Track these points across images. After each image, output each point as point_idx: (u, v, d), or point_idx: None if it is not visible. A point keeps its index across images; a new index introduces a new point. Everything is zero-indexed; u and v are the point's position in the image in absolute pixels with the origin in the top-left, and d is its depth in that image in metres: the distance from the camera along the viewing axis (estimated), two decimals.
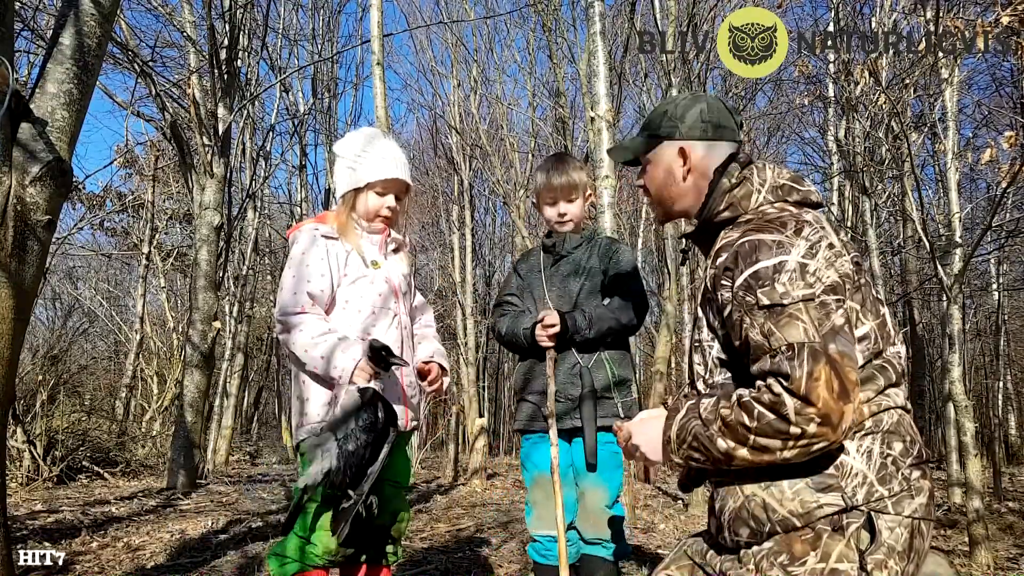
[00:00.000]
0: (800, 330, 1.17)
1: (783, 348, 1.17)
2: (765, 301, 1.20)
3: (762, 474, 1.27)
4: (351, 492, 1.91)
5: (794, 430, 1.16)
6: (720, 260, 1.30)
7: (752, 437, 1.19)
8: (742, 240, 1.27)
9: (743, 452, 1.21)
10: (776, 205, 1.36)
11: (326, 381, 2.01)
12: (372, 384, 1.95)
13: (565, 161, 2.46)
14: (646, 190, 1.56)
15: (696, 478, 1.43)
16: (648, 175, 1.53)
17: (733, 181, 1.39)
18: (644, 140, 1.52)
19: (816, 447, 1.17)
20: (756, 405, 1.18)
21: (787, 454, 1.18)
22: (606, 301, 2.35)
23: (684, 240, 1.55)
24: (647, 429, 1.37)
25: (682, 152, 1.45)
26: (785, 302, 1.19)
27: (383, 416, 1.92)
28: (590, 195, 2.49)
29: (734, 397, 1.23)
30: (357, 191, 2.14)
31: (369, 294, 2.10)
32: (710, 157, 1.45)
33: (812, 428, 1.15)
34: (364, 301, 2.10)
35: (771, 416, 1.16)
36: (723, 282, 1.27)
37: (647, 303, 2.39)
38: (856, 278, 1.28)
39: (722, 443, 1.22)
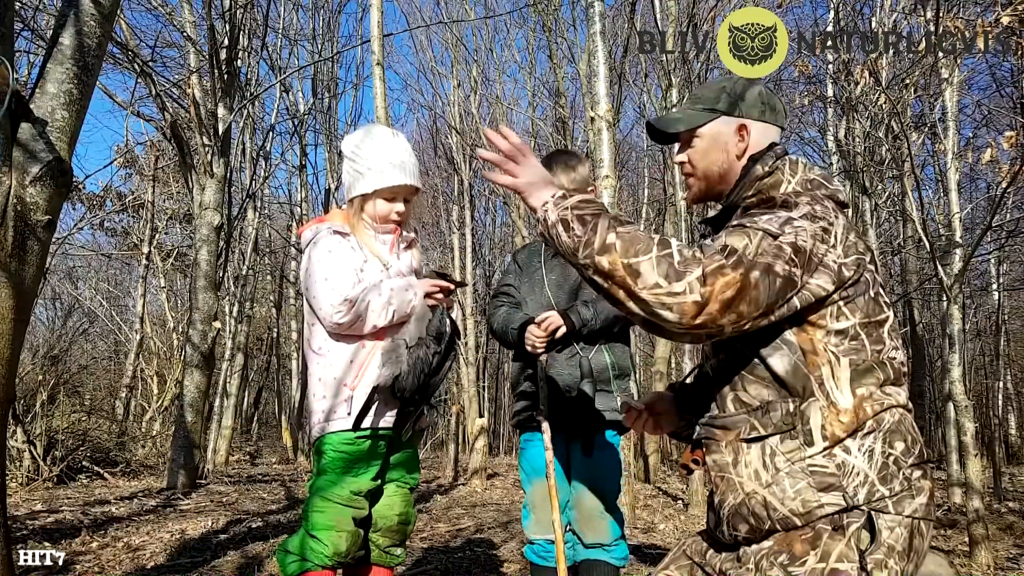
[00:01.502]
0: (742, 244, 1.19)
1: (720, 245, 1.20)
2: (734, 223, 1.26)
3: (764, 473, 1.26)
4: (416, 397, 2.02)
5: (677, 287, 1.15)
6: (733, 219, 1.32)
7: (640, 258, 1.18)
8: (756, 208, 1.31)
9: (615, 256, 1.19)
10: (803, 196, 1.36)
11: (338, 384, 2.04)
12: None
13: (563, 159, 2.38)
14: (689, 165, 1.51)
15: (700, 449, 1.42)
16: (696, 149, 1.48)
17: (766, 170, 1.39)
18: (700, 113, 1.48)
19: (667, 315, 1.16)
20: (672, 245, 1.19)
21: (642, 293, 1.17)
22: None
23: (704, 226, 1.54)
24: (539, 172, 1.37)
25: (742, 129, 1.44)
26: (747, 224, 1.23)
27: (449, 329, 2.05)
28: (592, 190, 2.44)
29: (657, 236, 1.24)
30: (365, 196, 2.12)
31: None
32: (761, 139, 1.45)
33: (688, 299, 1.15)
34: None
35: (676, 258, 1.17)
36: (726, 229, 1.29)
37: None
38: (852, 273, 1.27)
39: (610, 236, 1.21)
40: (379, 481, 2.11)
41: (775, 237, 1.20)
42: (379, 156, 2.09)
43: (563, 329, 2.22)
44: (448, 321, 2.08)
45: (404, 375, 1.98)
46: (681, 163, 1.52)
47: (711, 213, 1.48)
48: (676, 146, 1.56)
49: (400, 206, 2.14)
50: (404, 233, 2.23)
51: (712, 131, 1.46)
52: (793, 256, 1.20)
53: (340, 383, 2.04)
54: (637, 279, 1.17)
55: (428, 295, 2.06)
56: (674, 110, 1.57)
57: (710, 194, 1.50)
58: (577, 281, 2.35)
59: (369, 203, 2.11)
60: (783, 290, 1.20)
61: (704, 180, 1.49)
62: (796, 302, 1.22)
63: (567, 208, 1.27)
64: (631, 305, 1.19)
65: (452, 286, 2.11)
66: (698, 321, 1.16)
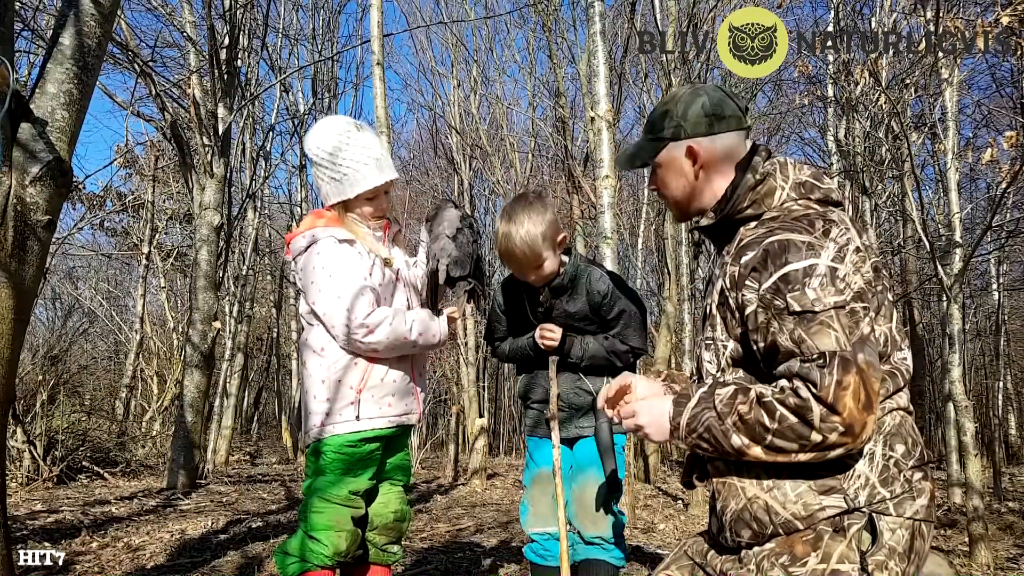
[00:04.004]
0: (832, 338, 1.16)
1: (814, 356, 1.16)
2: (796, 307, 1.18)
3: (765, 476, 1.26)
4: (470, 279, 2.22)
5: (816, 437, 1.15)
6: (746, 258, 1.26)
7: (770, 438, 1.18)
8: (771, 239, 1.24)
9: (757, 450, 1.20)
10: (800, 203, 1.33)
11: (330, 388, 2.05)
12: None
13: (516, 226, 2.14)
14: (660, 192, 1.52)
15: (699, 475, 1.42)
16: (660, 178, 1.49)
17: (757, 177, 1.36)
18: (650, 144, 1.47)
19: (833, 453, 1.17)
20: (779, 407, 1.17)
21: (802, 457, 1.18)
22: (602, 338, 2.33)
23: (696, 233, 1.52)
24: (653, 410, 1.34)
25: (690, 151, 1.41)
26: (816, 309, 1.17)
27: (467, 212, 2.30)
28: (562, 238, 2.24)
29: (753, 394, 1.21)
30: (347, 202, 2.10)
31: (387, 293, 2.13)
32: (719, 150, 1.41)
33: (834, 437, 1.15)
34: (387, 302, 2.13)
35: (794, 420, 1.16)
36: (748, 282, 1.25)
37: (644, 333, 2.36)
38: (875, 284, 1.27)
39: (736, 439, 1.21)
40: (375, 482, 2.12)
41: (843, 306, 1.18)
42: (352, 159, 2.04)
43: (557, 337, 2.28)
44: (471, 217, 2.30)
45: (457, 260, 2.16)
46: (654, 190, 1.55)
47: (704, 221, 1.46)
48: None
49: (382, 202, 2.14)
50: (393, 226, 2.26)
51: (666, 159, 1.45)
52: (863, 306, 1.20)
53: (345, 384, 2.03)
54: (785, 455, 1.19)
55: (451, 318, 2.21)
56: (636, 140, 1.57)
57: (689, 214, 1.50)
58: (572, 318, 2.35)
59: (352, 205, 2.11)
60: (875, 337, 1.22)
61: (676, 205, 1.50)
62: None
63: (686, 439, 1.29)
64: (810, 463, 1.21)
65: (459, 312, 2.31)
66: (864, 435, 1.16)
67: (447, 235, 2.17)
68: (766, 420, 1.18)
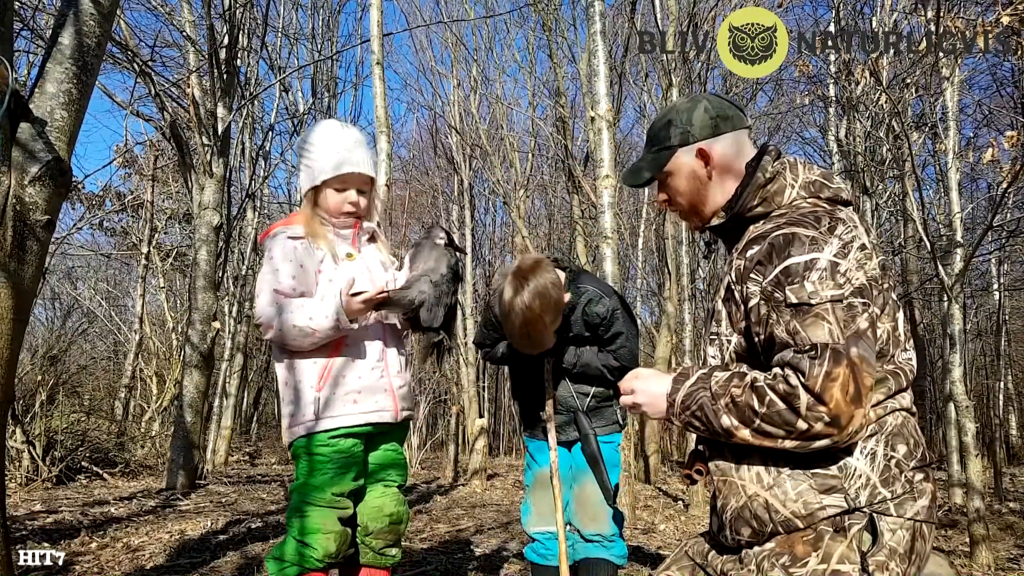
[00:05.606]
0: (825, 331, 1.17)
1: (807, 347, 1.17)
2: (793, 299, 1.20)
3: (766, 474, 1.26)
4: (441, 330, 2.14)
5: (801, 425, 1.16)
6: (751, 252, 1.28)
7: (757, 421, 1.20)
8: (776, 233, 1.26)
9: (744, 432, 1.22)
10: (809, 201, 1.35)
11: (303, 368, 2.03)
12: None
13: (526, 325, 2.06)
14: (671, 202, 1.52)
15: (700, 468, 1.42)
16: (671, 187, 1.50)
17: (767, 176, 1.38)
18: (657, 155, 1.49)
19: (817, 444, 1.18)
20: (769, 392, 1.19)
21: (787, 444, 1.20)
22: (597, 349, 2.32)
23: (708, 233, 1.52)
24: (650, 386, 1.37)
25: (701, 153, 1.43)
26: (813, 301, 1.19)
27: (457, 259, 2.20)
28: (564, 298, 2.18)
29: (748, 379, 1.23)
30: (316, 189, 2.09)
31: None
32: (728, 150, 1.44)
33: (819, 427, 1.16)
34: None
35: (782, 406, 1.17)
36: (752, 275, 1.26)
37: (637, 353, 2.37)
38: (881, 282, 1.28)
39: (726, 420, 1.23)
40: (361, 481, 2.10)
41: (841, 300, 1.19)
42: (324, 148, 2.06)
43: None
44: (455, 252, 2.19)
45: (430, 308, 2.07)
46: (664, 202, 1.54)
47: (715, 220, 1.46)
48: (655, 184, 1.56)
49: (352, 195, 2.10)
50: (365, 225, 2.20)
51: (677, 166, 1.46)
52: (863, 301, 1.21)
53: (305, 384, 2.02)
54: (771, 439, 1.20)
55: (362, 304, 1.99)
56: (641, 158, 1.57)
57: (706, 220, 1.50)
58: (568, 340, 2.35)
59: (320, 196, 2.09)
60: (875, 331, 1.23)
61: (693, 210, 1.50)
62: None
63: (680, 416, 1.31)
64: (793, 452, 1.23)
65: (455, 250, 2.21)
66: (851, 429, 1.17)
67: (431, 280, 2.07)
68: (755, 404, 1.20)
